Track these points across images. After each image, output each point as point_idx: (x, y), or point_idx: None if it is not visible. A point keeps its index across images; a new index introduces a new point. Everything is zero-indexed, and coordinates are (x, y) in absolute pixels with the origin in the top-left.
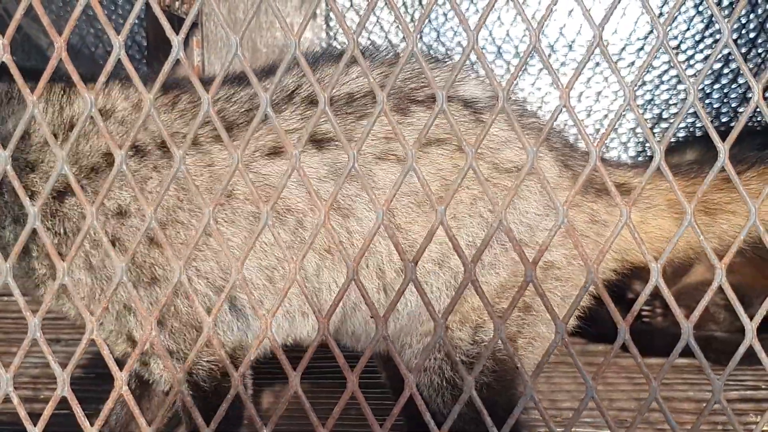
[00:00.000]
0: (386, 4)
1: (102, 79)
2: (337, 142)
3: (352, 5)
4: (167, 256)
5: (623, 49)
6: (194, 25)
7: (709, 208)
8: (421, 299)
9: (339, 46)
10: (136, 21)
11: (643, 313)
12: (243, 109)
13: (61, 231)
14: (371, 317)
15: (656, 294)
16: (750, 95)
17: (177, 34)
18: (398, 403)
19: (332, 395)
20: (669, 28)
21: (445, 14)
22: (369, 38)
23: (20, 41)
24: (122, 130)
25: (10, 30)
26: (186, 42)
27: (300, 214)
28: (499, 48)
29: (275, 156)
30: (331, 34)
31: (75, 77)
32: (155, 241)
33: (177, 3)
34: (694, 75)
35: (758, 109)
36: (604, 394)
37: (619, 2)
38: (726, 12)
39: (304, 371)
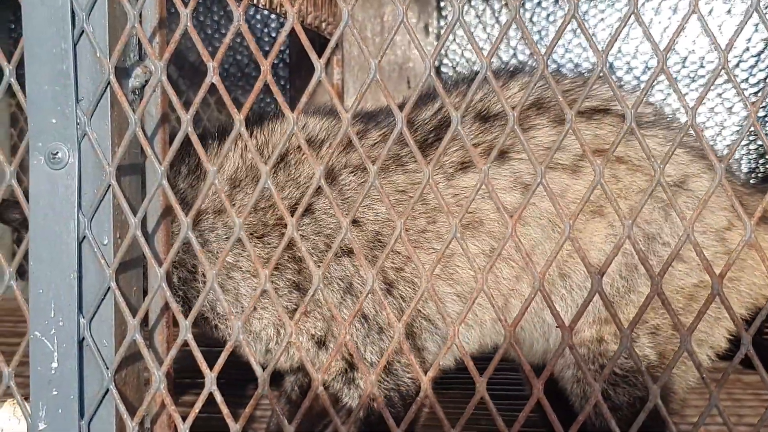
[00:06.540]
0: (578, 26)
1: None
2: (512, 154)
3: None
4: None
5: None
6: (335, 45)
7: None
8: (608, 311)
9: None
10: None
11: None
12: (429, 128)
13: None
14: (557, 327)
15: None
16: None
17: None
18: (584, 411)
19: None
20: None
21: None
22: (498, 57)
23: None
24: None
25: (220, 54)
26: (327, 61)
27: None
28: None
29: (466, 170)
30: (442, 52)
31: (279, 99)
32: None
33: (323, 24)
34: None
35: None
36: (732, 410)
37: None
38: None
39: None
